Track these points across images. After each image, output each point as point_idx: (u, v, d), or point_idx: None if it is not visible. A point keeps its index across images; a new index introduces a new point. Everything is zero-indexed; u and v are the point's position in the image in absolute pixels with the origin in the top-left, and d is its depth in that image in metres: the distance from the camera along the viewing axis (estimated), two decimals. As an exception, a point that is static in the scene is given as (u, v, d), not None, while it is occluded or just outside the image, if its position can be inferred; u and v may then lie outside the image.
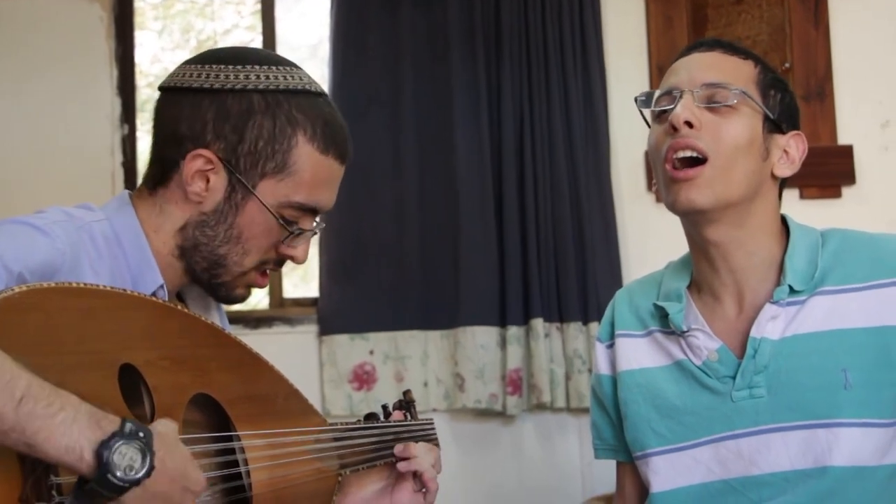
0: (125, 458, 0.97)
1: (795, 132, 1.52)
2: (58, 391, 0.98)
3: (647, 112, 1.55)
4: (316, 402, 2.99)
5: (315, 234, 1.43)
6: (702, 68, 1.48)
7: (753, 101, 1.47)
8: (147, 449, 0.99)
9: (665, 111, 1.48)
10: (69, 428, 0.96)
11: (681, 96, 1.46)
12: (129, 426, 0.99)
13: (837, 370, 1.44)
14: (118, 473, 0.96)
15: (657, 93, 1.52)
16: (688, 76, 1.48)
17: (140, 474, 0.98)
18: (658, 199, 3.36)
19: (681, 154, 1.44)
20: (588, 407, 1.80)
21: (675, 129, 1.44)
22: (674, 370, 1.55)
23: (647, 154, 3.38)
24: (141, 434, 0.99)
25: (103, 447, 0.96)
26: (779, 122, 1.49)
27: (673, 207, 1.48)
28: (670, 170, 1.45)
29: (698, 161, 1.44)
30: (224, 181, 1.34)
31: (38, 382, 0.97)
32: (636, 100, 1.54)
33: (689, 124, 1.44)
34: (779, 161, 1.50)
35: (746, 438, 1.48)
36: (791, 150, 1.51)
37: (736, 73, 1.48)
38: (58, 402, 0.97)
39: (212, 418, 1.30)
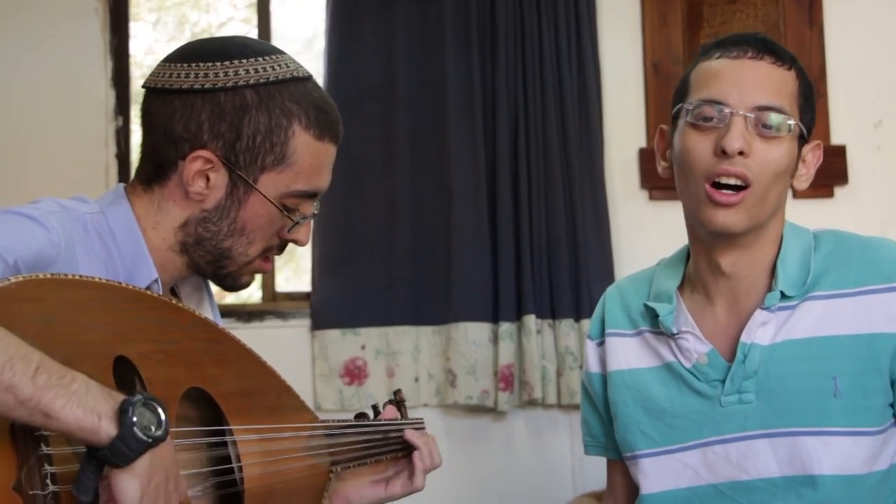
0: (144, 417, 1.00)
1: (816, 142, 1.51)
2: (66, 367, 1.00)
3: (687, 117, 1.46)
4: (307, 396, 2.98)
5: (314, 215, 1.45)
6: (753, 86, 1.42)
7: (798, 126, 1.44)
8: (162, 412, 1.02)
9: (709, 123, 1.42)
10: (84, 397, 0.98)
11: (731, 117, 1.41)
12: (140, 395, 1.02)
13: (827, 378, 1.43)
14: (139, 432, 0.99)
15: (696, 100, 1.45)
16: (738, 94, 1.42)
17: (160, 432, 1.01)
18: (651, 198, 3.37)
19: (725, 180, 1.41)
20: (579, 404, 1.80)
21: (724, 152, 1.40)
22: (663, 372, 1.54)
23: (641, 151, 3.38)
24: (153, 402, 1.02)
25: (126, 403, 0.99)
26: (806, 135, 1.47)
27: (704, 226, 1.44)
28: (711, 190, 1.41)
29: (740, 186, 1.41)
30: (225, 178, 1.34)
31: (49, 358, 0.99)
32: (682, 108, 1.46)
33: (741, 152, 1.40)
34: (799, 175, 1.49)
35: (735, 443, 1.47)
36: (808, 160, 1.50)
37: (784, 91, 1.44)
38: (69, 376, 0.99)
39: (205, 412, 1.30)
